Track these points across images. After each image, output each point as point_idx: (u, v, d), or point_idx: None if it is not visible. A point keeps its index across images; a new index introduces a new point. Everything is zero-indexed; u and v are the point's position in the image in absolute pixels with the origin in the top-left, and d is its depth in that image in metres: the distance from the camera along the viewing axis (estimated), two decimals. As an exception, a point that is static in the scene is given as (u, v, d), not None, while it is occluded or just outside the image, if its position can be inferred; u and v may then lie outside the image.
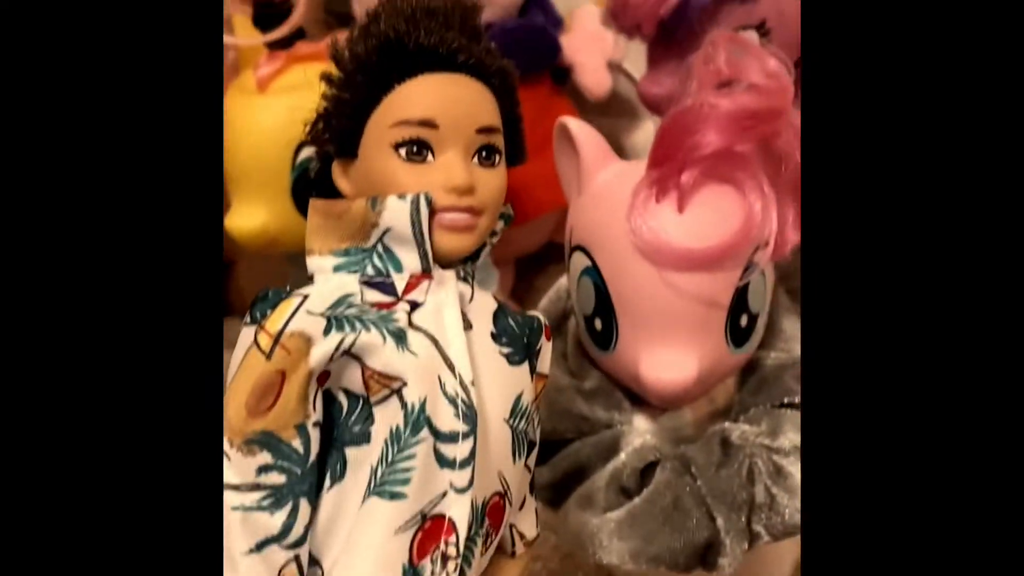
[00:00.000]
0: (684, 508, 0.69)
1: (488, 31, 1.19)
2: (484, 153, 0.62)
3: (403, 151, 0.59)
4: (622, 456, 0.72)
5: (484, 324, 0.63)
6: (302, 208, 0.92)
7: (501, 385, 0.62)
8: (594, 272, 0.71)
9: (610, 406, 0.75)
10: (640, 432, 0.74)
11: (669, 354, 0.69)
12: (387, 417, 0.57)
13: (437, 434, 0.56)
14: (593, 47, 1.29)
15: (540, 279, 1.32)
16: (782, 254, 0.71)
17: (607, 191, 0.72)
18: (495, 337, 0.63)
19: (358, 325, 0.56)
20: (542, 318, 0.67)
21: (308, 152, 0.91)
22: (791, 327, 0.77)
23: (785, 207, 0.70)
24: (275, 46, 0.92)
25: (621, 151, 0.96)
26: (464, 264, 0.63)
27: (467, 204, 0.60)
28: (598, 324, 0.72)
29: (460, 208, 0.59)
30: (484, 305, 0.65)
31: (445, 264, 0.61)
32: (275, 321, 0.56)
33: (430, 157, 0.60)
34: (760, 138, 0.69)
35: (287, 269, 1.22)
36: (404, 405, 0.56)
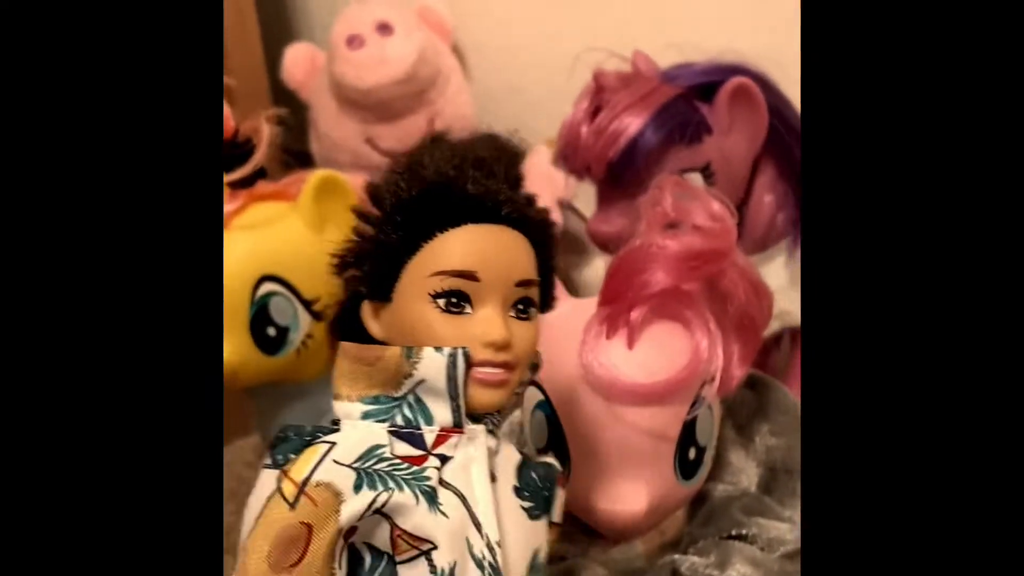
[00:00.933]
0: (636, 639, 0.70)
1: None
2: (521, 306, 0.61)
3: (442, 301, 0.59)
4: (575, 588, 0.74)
5: (508, 478, 0.63)
6: (260, 343, 0.94)
7: (522, 541, 0.61)
8: (546, 406, 0.73)
9: (563, 538, 0.76)
10: (592, 565, 0.76)
11: (620, 486, 0.71)
12: None
13: None
14: (544, 186, 1.32)
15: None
16: (728, 389, 0.74)
17: (559, 327, 0.74)
18: (518, 491, 0.63)
19: (391, 483, 0.56)
20: (557, 465, 0.67)
21: (267, 288, 0.93)
22: (738, 460, 0.79)
23: (730, 343, 0.73)
24: (236, 185, 0.94)
25: (571, 287, 0.99)
26: (492, 416, 0.63)
27: (503, 359, 0.59)
28: (550, 458, 0.73)
29: (496, 363, 0.59)
30: (508, 457, 0.64)
31: (475, 418, 0.60)
32: (300, 469, 0.55)
33: (468, 308, 0.59)
34: (706, 277, 0.72)
35: (246, 402, 1.23)
36: (433, 569, 0.56)
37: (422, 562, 0.56)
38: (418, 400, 0.59)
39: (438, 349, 0.58)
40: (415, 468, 0.57)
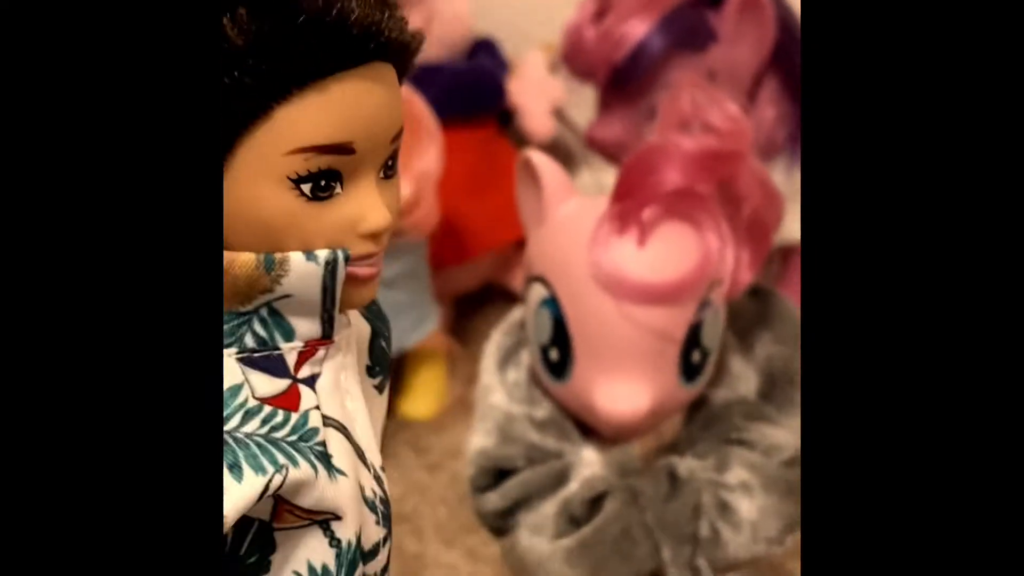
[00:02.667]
0: (632, 538, 0.70)
1: (438, 71, 1.21)
2: (390, 163, 0.47)
3: (307, 187, 0.44)
4: (572, 486, 0.73)
5: (362, 359, 0.52)
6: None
7: (377, 422, 0.53)
8: (552, 303, 0.72)
9: (561, 436, 0.76)
10: (589, 463, 0.75)
11: (623, 386, 0.71)
12: (302, 550, 0.47)
13: (364, 557, 0.49)
14: (538, 92, 1.32)
15: (478, 319, 1.33)
16: (736, 294, 0.73)
17: (568, 223, 0.73)
18: (370, 370, 0.53)
19: (280, 457, 0.44)
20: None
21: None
22: (738, 366, 0.79)
23: (740, 247, 0.72)
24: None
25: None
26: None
27: (382, 246, 0.47)
28: (554, 354, 0.73)
29: (375, 254, 0.47)
30: (360, 334, 0.53)
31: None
32: None
33: (338, 189, 0.45)
34: (720, 179, 0.71)
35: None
36: (336, 542, 0.47)
37: (313, 533, 0.47)
38: (273, 313, 0.46)
39: (309, 256, 0.45)
40: (296, 420, 0.46)
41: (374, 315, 0.54)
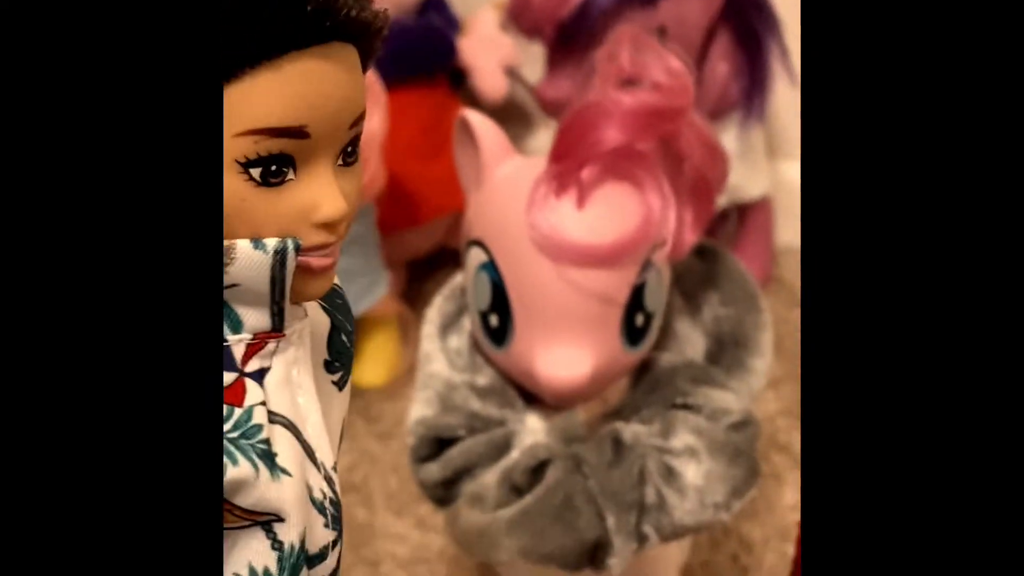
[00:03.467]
0: (575, 507, 0.69)
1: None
2: (350, 149, 0.45)
3: (257, 171, 0.42)
4: (514, 454, 0.72)
5: (319, 354, 0.50)
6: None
7: (335, 420, 0.51)
8: (491, 267, 0.70)
9: (503, 404, 0.74)
10: (532, 431, 0.74)
11: (564, 351, 0.69)
12: (242, 552, 0.45)
13: (309, 560, 0.46)
14: (490, 51, 1.29)
15: (431, 284, 1.30)
16: (679, 254, 0.71)
17: (507, 186, 0.71)
18: (328, 365, 0.51)
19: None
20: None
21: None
22: (685, 329, 0.77)
23: (683, 207, 0.70)
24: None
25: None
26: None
27: (339, 235, 0.45)
28: (493, 320, 0.71)
29: (331, 244, 0.44)
30: (318, 328, 0.50)
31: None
32: None
33: (291, 174, 0.43)
34: (661, 137, 0.69)
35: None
36: (278, 545, 0.45)
37: (255, 533, 0.45)
38: None
39: (257, 244, 0.42)
40: (238, 416, 0.44)
41: (336, 308, 0.51)
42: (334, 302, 0.52)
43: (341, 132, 0.43)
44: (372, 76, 1.03)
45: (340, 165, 0.44)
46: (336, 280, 0.51)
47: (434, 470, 0.73)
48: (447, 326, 0.78)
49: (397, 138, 1.10)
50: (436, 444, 0.73)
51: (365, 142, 1.00)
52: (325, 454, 0.48)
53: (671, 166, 0.70)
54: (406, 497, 1.01)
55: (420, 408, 0.75)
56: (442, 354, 0.77)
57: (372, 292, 1.11)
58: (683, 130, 0.69)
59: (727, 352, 0.77)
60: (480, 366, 0.75)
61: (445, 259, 1.32)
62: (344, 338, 0.51)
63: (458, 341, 0.77)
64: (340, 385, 0.51)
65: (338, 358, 0.51)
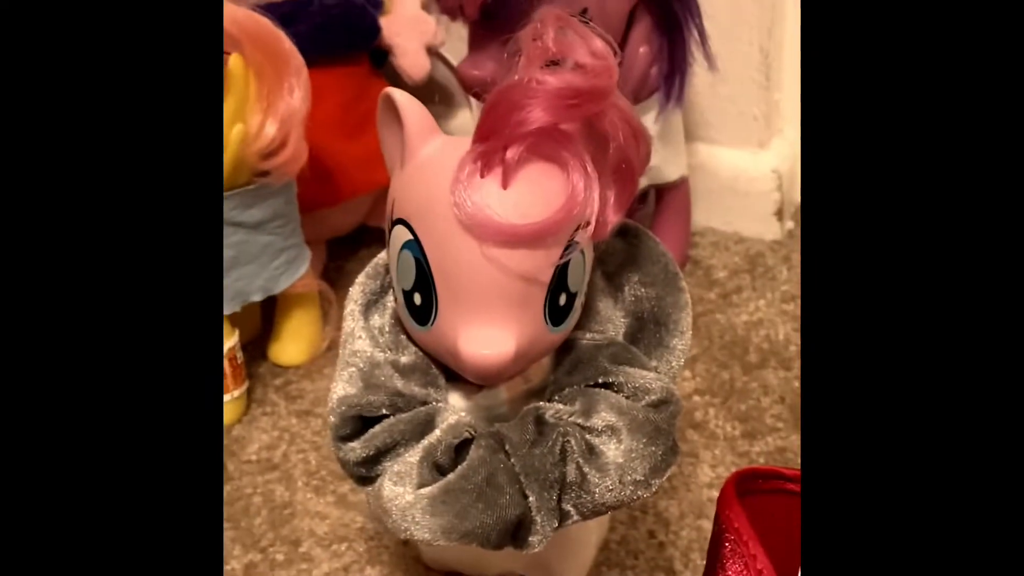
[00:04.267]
0: (497, 485, 0.69)
1: (307, 7, 1.17)
2: None
3: None
4: (437, 433, 0.72)
5: None
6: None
7: None
8: (415, 245, 0.70)
9: (426, 383, 0.74)
10: (455, 409, 0.74)
11: (487, 330, 0.69)
12: None
13: None
14: (413, 31, 1.29)
15: (352, 262, 1.30)
16: (602, 234, 0.72)
17: (431, 164, 0.71)
18: None
19: None
20: None
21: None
22: (606, 309, 0.78)
23: (607, 188, 0.71)
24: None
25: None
26: None
27: None
28: (417, 299, 0.71)
29: None
30: None
31: None
32: None
33: None
34: (585, 117, 0.69)
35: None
36: None
37: None
38: None
39: None
40: None
41: None
42: None
43: None
44: (293, 50, 1.02)
45: None
46: None
47: (356, 449, 0.73)
48: (370, 304, 0.78)
49: (318, 115, 1.10)
50: (359, 423, 0.73)
51: (286, 119, 1.00)
52: None
53: (595, 147, 0.70)
54: (326, 474, 1.01)
55: (342, 386, 0.75)
56: (365, 332, 0.77)
57: (293, 269, 1.11)
58: (607, 111, 0.69)
59: (648, 331, 0.78)
60: (403, 344, 0.76)
61: (366, 237, 1.32)
62: None
63: (381, 319, 0.77)
64: None
65: None
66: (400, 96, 0.73)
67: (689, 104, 1.30)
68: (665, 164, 1.21)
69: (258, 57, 0.98)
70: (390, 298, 0.77)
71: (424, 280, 0.70)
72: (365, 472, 0.74)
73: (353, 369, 0.75)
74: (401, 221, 0.71)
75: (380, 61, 1.31)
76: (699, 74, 1.19)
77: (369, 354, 0.75)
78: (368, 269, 0.80)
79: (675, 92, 1.15)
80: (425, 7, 1.28)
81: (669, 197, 1.27)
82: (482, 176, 0.68)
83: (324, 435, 1.05)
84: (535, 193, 0.68)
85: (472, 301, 0.69)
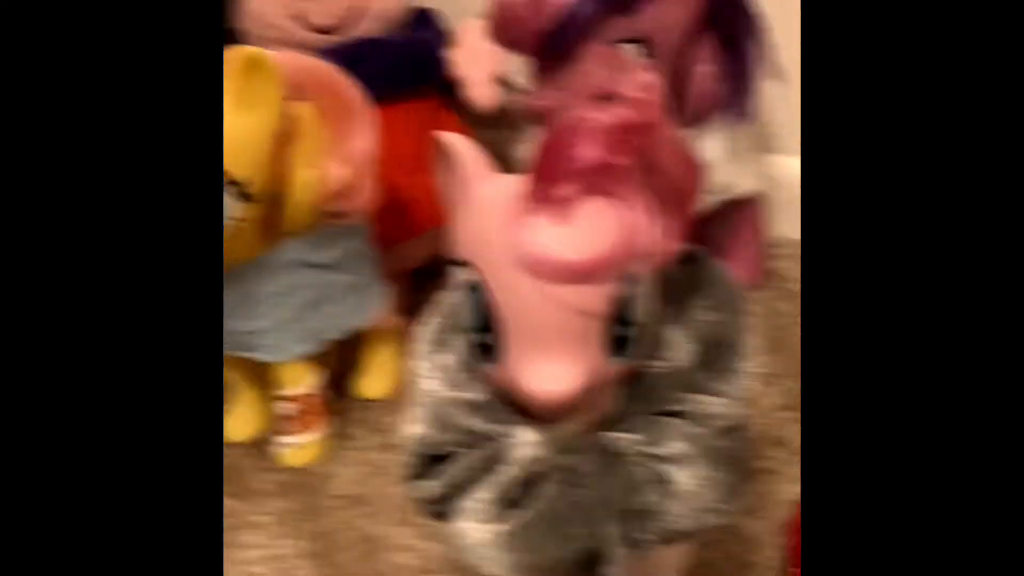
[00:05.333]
0: (569, 518, 0.70)
1: (375, 46, 1.20)
2: None
3: None
4: (508, 468, 0.73)
5: None
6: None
7: None
8: (477, 285, 0.71)
9: (495, 419, 0.75)
10: (525, 444, 0.75)
11: (551, 366, 0.70)
12: None
13: None
14: (480, 61, 1.30)
15: (432, 294, 1.32)
16: (662, 264, 0.72)
17: (488, 204, 0.72)
18: None
19: None
20: None
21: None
22: (671, 335, 0.78)
23: (663, 218, 0.71)
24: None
25: (509, 164, 0.97)
26: None
27: None
28: (482, 337, 0.72)
29: None
30: None
31: None
32: None
33: None
34: (638, 151, 0.70)
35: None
36: None
37: None
38: None
39: None
40: None
41: None
42: None
43: None
44: (360, 94, 1.04)
45: None
46: None
47: (430, 487, 0.74)
48: (437, 343, 0.80)
49: (391, 151, 1.11)
50: (431, 461, 0.75)
51: (356, 161, 1.02)
52: None
53: (648, 178, 0.71)
54: (411, 507, 1.02)
55: (414, 425, 0.76)
56: (433, 371, 0.78)
57: (371, 306, 1.13)
58: (659, 142, 0.70)
59: (714, 357, 0.78)
60: (471, 382, 0.77)
61: (444, 269, 1.33)
62: None
63: (450, 358, 0.79)
64: None
65: None
66: (452, 140, 0.74)
67: (761, 117, 1.29)
68: (736, 180, 1.20)
69: (326, 103, 1.01)
70: (457, 336, 0.78)
71: (488, 318, 0.71)
72: (440, 509, 0.75)
73: (424, 408, 0.77)
74: (462, 261, 0.73)
75: (449, 93, 1.32)
76: (769, 87, 1.19)
77: (438, 392, 0.77)
78: (435, 308, 0.81)
79: (744, 107, 1.15)
80: (490, 37, 1.30)
81: (742, 212, 1.26)
82: (538, 215, 0.69)
83: (408, 468, 1.07)
84: (591, 228, 0.69)
85: (535, 338, 0.70)
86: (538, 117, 1.05)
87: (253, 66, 0.93)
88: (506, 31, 1.03)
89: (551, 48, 1.01)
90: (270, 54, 0.96)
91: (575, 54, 1.00)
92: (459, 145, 0.74)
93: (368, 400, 1.18)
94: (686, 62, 1.10)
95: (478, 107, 1.30)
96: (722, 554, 0.93)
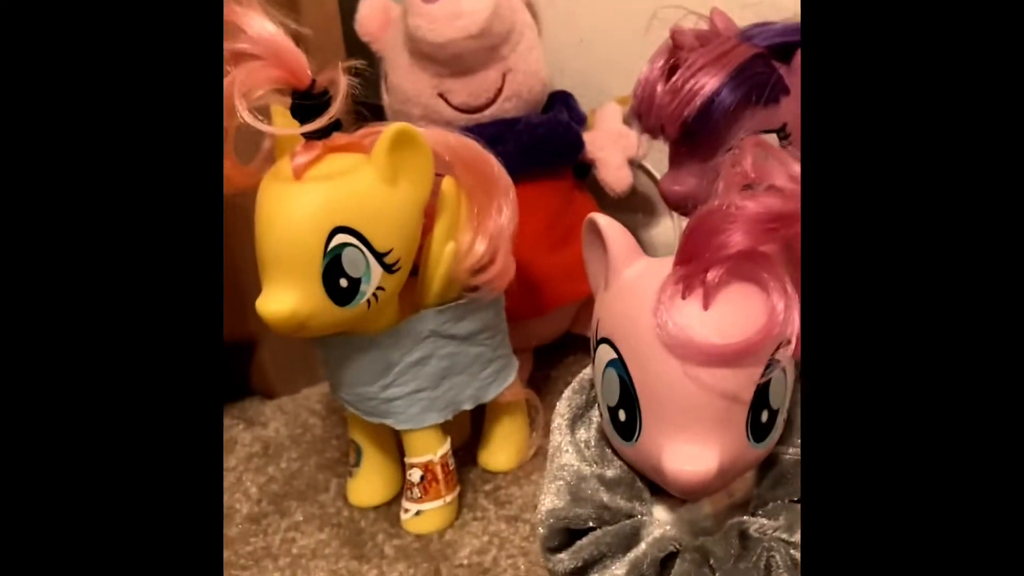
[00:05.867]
0: (702, 600, 0.70)
1: (514, 127, 1.23)
2: None
3: None
4: (642, 546, 0.74)
5: None
6: (331, 294, 0.95)
7: None
8: (619, 364, 0.73)
9: (631, 496, 0.76)
10: (660, 523, 0.76)
11: (691, 448, 0.71)
12: None
13: None
14: (615, 144, 1.33)
15: (558, 369, 1.34)
16: (802, 352, 0.73)
17: (634, 286, 0.74)
18: None
19: None
20: None
21: (340, 239, 0.93)
22: (809, 424, 0.78)
23: (807, 307, 0.72)
24: (312, 136, 0.95)
25: (642, 247, 0.99)
26: None
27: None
28: (622, 415, 0.73)
29: None
30: None
31: None
32: None
33: None
34: (784, 239, 0.71)
35: (310, 351, 1.24)
36: None
37: None
38: None
39: None
40: None
41: None
42: None
43: None
44: (501, 171, 1.07)
45: None
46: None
47: (564, 560, 0.75)
48: (576, 419, 0.81)
49: (525, 229, 1.14)
50: (566, 534, 0.76)
51: (495, 237, 1.05)
52: None
53: (794, 267, 0.72)
54: (536, 581, 1.03)
55: (551, 499, 0.78)
56: (571, 446, 0.79)
57: (502, 378, 1.15)
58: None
59: (851, 446, 0.78)
60: (609, 458, 0.78)
61: (571, 345, 1.35)
62: None
63: (587, 434, 0.80)
64: None
65: None
66: (605, 222, 0.76)
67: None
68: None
69: (469, 179, 1.04)
70: (596, 413, 0.80)
71: (628, 397, 0.73)
72: (573, 583, 0.76)
73: (561, 482, 0.78)
74: (606, 340, 0.74)
75: (584, 174, 1.35)
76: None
77: (576, 467, 0.78)
78: (574, 384, 0.83)
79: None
80: (626, 122, 1.32)
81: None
82: (683, 298, 0.70)
83: (532, 541, 1.08)
84: (736, 314, 0.70)
85: (675, 419, 0.71)
86: (674, 202, 1.06)
87: (404, 140, 0.97)
88: (646, 116, 1.05)
89: (691, 135, 1.03)
90: (419, 130, 0.99)
91: (714, 142, 1.02)
92: (609, 226, 0.76)
93: (493, 472, 1.20)
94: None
95: (612, 190, 1.32)
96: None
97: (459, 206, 1.04)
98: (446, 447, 1.12)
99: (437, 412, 1.09)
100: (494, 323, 1.12)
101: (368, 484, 1.18)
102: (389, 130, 0.96)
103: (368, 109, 1.08)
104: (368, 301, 0.97)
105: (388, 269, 0.97)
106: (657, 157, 1.26)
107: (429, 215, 1.03)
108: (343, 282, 0.95)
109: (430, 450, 1.11)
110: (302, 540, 1.14)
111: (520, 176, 1.13)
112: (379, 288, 0.98)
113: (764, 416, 0.72)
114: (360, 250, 0.95)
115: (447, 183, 1.03)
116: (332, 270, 0.94)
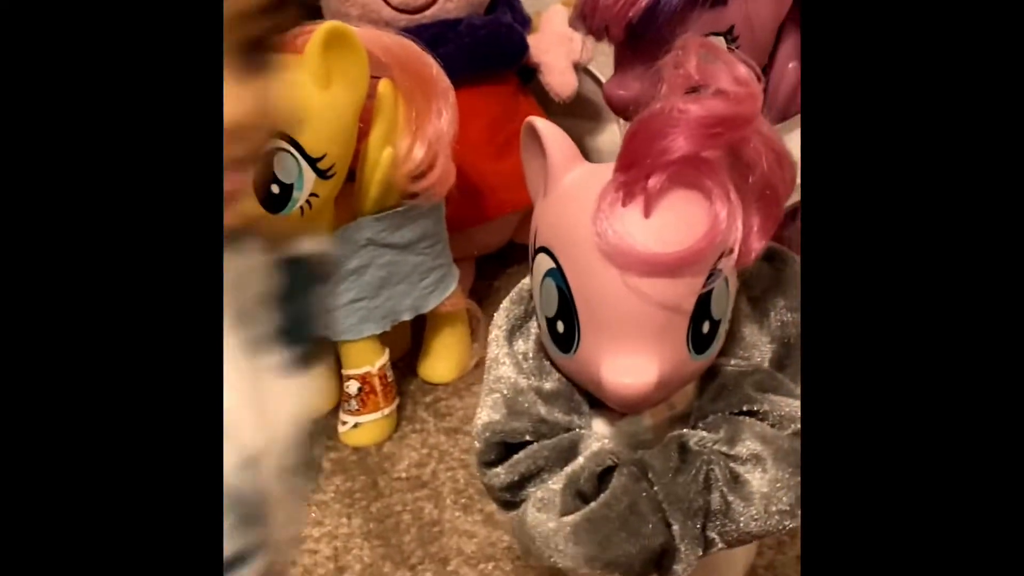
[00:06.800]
0: (640, 514, 0.69)
1: (455, 28, 1.19)
2: (256, 42, 0.42)
3: None
4: (580, 460, 0.72)
5: (253, 317, 0.46)
6: (263, 201, 0.91)
7: (273, 405, 0.48)
8: (558, 274, 0.71)
9: (569, 409, 0.75)
10: (598, 436, 0.74)
11: (630, 359, 0.69)
12: None
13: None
14: (560, 48, 1.29)
15: (501, 279, 1.32)
16: (746, 262, 0.71)
17: (573, 193, 0.71)
18: (285, 336, 0.48)
19: None
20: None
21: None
22: (752, 335, 0.77)
23: (750, 215, 0.70)
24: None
25: (585, 153, 0.96)
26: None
27: (250, 150, 0.43)
28: (560, 327, 0.71)
29: (239, 161, 0.42)
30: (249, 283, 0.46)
31: None
32: None
33: None
34: (728, 145, 0.68)
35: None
36: None
37: None
38: None
39: None
40: None
41: (297, 277, 0.47)
42: (297, 270, 0.47)
43: (233, 20, 0.39)
44: (441, 74, 1.04)
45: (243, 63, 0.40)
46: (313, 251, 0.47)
47: (500, 474, 0.74)
48: (514, 330, 0.79)
49: (467, 135, 1.11)
50: (503, 448, 0.74)
51: (434, 141, 1.01)
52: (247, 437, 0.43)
53: (738, 174, 0.70)
54: (474, 493, 1.02)
55: (487, 412, 0.76)
56: (509, 358, 0.77)
57: (442, 288, 1.12)
58: (750, 138, 0.69)
59: (794, 357, 0.77)
60: (547, 371, 0.76)
61: (514, 255, 1.33)
62: (306, 307, 0.46)
63: (525, 345, 0.78)
64: (303, 363, 0.47)
65: (295, 324, 0.46)
66: (543, 126, 0.73)
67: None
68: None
69: (407, 82, 1.00)
70: (534, 324, 0.78)
71: (567, 308, 0.71)
72: (509, 497, 0.74)
73: (497, 395, 0.76)
74: (544, 249, 0.72)
75: (528, 78, 1.32)
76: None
77: (513, 380, 0.76)
78: (512, 295, 0.81)
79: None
80: (572, 25, 1.29)
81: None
82: (624, 205, 0.68)
83: (472, 454, 1.06)
84: (678, 222, 0.68)
85: (615, 330, 0.69)
86: (619, 107, 1.04)
87: (336, 41, 0.93)
88: (592, 18, 1.02)
89: (636, 38, 1.00)
90: (354, 30, 0.95)
91: (660, 45, 0.99)
92: (548, 131, 0.73)
93: (433, 383, 1.18)
94: (771, 57, 1.08)
95: (556, 94, 1.29)
96: (788, 557, 0.92)
97: (396, 110, 1.00)
98: (384, 358, 1.09)
99: (375, 322, 1.07)
100: (434, 231, 1.09)
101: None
102: (320, 30, 0.92)
103: (303, 8, 1.04)
104: (301, 208, 0.94)
105: (322, 175, 0.94)
106: (603, 61, 1.23)
107: (365, 119, 0.99)
108: (274, 188, 0.92)
109: (368, 361, 1.08)
110: (238, 452, 1.12)
111: (462, 80, 1.09)
112: (313, 194, 0.95)
113: (705, 327, 0.70)
114: (292, 155, 0.92)
115: (384, 85, 1.00)
116: (262, 176, 0.90)
